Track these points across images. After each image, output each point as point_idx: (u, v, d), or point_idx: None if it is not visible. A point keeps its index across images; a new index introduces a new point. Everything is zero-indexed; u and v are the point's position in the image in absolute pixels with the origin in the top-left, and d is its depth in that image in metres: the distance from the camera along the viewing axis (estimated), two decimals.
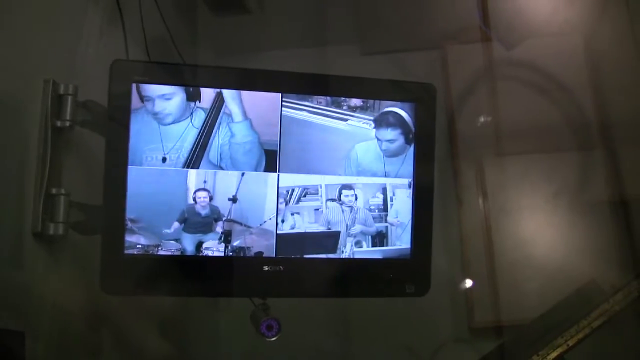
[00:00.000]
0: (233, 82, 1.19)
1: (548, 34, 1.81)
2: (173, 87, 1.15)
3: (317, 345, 1.71)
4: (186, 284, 1.16)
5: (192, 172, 1.15)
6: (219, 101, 1.16)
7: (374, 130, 1.22)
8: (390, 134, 1.23)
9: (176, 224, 1.14)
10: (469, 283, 1.83)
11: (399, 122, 1.23)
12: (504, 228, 1.82)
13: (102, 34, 1.32)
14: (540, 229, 1.80)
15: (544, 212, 1.80)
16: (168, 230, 1.14)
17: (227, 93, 1.17)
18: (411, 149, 1.24)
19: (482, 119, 1.88)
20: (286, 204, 1.19)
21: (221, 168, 1.16)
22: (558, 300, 1.45)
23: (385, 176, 1.23)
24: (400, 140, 1.23)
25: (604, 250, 1.74)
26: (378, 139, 1.22)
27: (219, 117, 1.17)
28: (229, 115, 1.17)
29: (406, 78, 1.30)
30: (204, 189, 1.15)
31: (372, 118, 1.22)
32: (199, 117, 1.16)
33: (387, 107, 1.23)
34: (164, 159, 1.14)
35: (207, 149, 1.16)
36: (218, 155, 1.16)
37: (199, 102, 1.16)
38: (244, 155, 1.17)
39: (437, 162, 1.26)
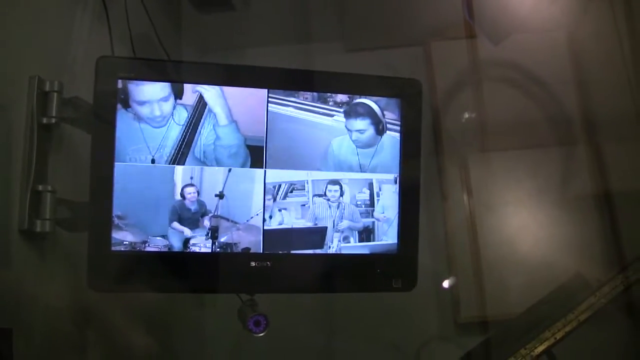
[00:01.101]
0: (219, 78, 1.19)
1: (531, 30, 1.82)
2: (159, 87, 1.15)
3: (304, 341, 1.72)
4: (173, 280, 1.16)
5: (178, 169, 1.15)
6: (202, 99, 1.16)
7: (344, 121, 1.23)
8: (359, 124, 1.23)
9: (177, 225, 1.15)
10: (454, 278, 1.84)
11: (367, 112, 1.24)
12: (489, 224, 1.83)
13: (88, 31, 1.32)
14: (525, 224, 1.81)
15: (529, 208, 1.81)
16: (165, 227, 1.15)
17: (210, 94, 1.17)
18: (383, 140, 1.24)
19: (466, 115, 1.89)
20: (273, 200, 1.20)
21: (206, 164, 1.16)
22: (544, 295, 1.46)
23: (362, 170, 1.24)
24: (371, 130, 1.24)
25: (588, 245, 1.76)
26: (348, 130, 1.23)
27: (204, 115, 1.17)
28: (214, 115, 1.17)
29: (391, 74, 1.31)
30: (192, 184, 1.15)
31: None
32: (183, 114, 1.16)
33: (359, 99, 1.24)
34: (152, 161, 1.14)
35: (192, 146, 1.16)
36: (202, 152, 1.16)
37: (180, 99, 1.16)
38: (229, 157, 1.17)
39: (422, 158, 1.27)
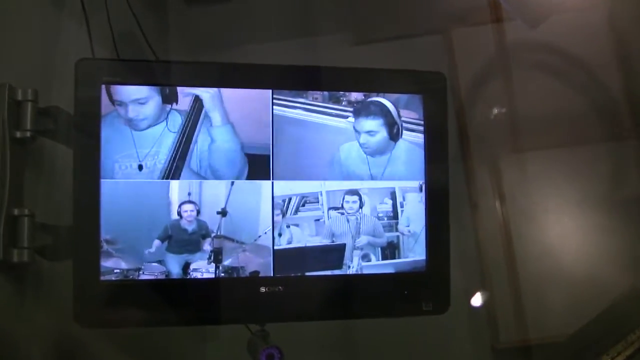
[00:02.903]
0: (216, 79, 1.18)
1: (566, 10, 1.81)
2: (147, 88, 1.14)
3: None
4: (172, 311, 1.15)
5: (174, 184, 1.14)
6: (197, 104, 1.16)
7: (354, 122, 1.22)
8: (369, 124, 1.22)
9: (157, 243, 1.14)
10: (489, 298, 1.83)
11: (381, 111, 1.23)
12: (526, 234, 1.82)
13: (65, 30, 1.31)
14: (567, 234, 1.80)
15: (571, 214, 1.80)
16: (150, 251, 1.13)
17: (205, 95, 1.16)
18: (398, 147, 1.23)
19: (495, 111, 1.88)
20: (283, 216, 1.19)
21: (205, 178, 1.15)
22: (594, 313, 1.44)
23: (372, 178, 1.23)
24: (383, 132, 1.23)
25: None
26: (356, 131, 1.22)
27: (199, 120, 1.16)
28: (209, 119, 1.16)
29: (408, 67, 1.30)
30: (190, 202, 1.15)
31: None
32: (176, 121, 1.15)
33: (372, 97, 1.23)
34: (140, 167, 1.13)
35: (188, 156, 1.15)
36: (198, 163, 1.15)
37: (176, 103, 1.15)
38: (225, 165, 1.16)
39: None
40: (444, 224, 1.25)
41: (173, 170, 1.14)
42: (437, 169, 1.25)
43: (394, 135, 1.23)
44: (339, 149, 1.21)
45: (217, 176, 1.16)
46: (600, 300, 1.48)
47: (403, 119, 1.23)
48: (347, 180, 1.21)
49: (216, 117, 1.17)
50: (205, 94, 1.16)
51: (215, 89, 1.17)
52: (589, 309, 1.48)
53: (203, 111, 1.16)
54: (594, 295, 1.52)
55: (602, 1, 1.84)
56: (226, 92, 1.17)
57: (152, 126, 1.14)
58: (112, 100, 1.13)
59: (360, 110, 1.22)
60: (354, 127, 1.22)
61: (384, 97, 1.23)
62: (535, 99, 1.85)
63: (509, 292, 1.78)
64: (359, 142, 1.22)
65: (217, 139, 1.16)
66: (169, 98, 1.15)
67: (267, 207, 1.18)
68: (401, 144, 1.23)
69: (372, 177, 1.23)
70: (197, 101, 1.16)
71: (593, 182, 1.80)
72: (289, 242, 1.19)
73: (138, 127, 1.14)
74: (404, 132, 1.23)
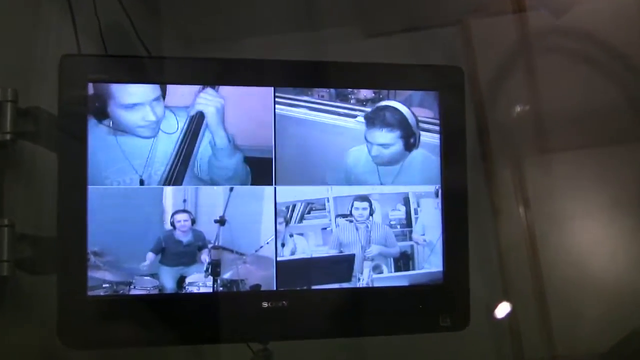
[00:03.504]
0: (213, 76, 1.18)
1: None
2: (140, 90, 1.14)
3: None
4: (167, 329, 1.15)
5: (168, 190, 1.14)
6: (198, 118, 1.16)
7: (365, 130, 1.21)
8: (384, 136, 1.22)
9: (151, 255, 1.13)
10: (513, 311, 1.82)
11: (397, 121, 1.22)
12: (553, 242, 1.81)
13: (47, 24, 1.30)
14: (598, 241, 1.79)
15: (602, 220, 1.79)
16: (142, 263, 1.13)
17: (204, 97, 1.16)
18: (413, 157, 1.23)
19: (519, 108, 1.87)
20: (286, 224, 1.18)
21: (204, 182, 1.15)
22: (630, 327, 1.43)
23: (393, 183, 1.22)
24: (398, 145, 1.22)
25: None
26: (368, 142, 1.21)
27: (202, 124, 1.16)
28: (208, 126, 1.16)
29: (422, 62, 1.29)
30: (184, 211, 1.14)
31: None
32: (172, 123, 1.14)
33: (385, 101, 1.22)
34: (141, 182, 1.13)
35: (191, 160, 1.15)
36: (199, 167, 1.15)
37: (170, 103, 1.15)
38: (223, 179, 1.16)
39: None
40: (463, 231, 1.24)
41: (174, 176, 1.14)
42: (455, 172, 1.25)
43: (410, 145, 1.23)
44: (347, 154, 1.21)
45: (214, 182, 1.16)
46: (634, 313, 1.47)
47: (420, 123, 1.23)
48: (356, 185, 1.20)
49: (216, 126, 1.16)
50: (203, 93, 1.16)
51: (213, 88, 1.16)
52: (621, 323, 1.47)
53: (203, 112, 1.16)
54: (626, 308, 1.51)
55: None
56: (224, 90, 1.16)
57: (148, 130, 1.14)
58: (100, 98, 1.12)
59: (373, 119, 1.21)
60: (365, 136, 1.21)
61: (399, 102, 1.22)
62: (562, 94, 1.83)
63: (534, 305, 1.77)
64: (370, 154, 1.21)
65: (218, 155, 1.16)
66: (163, 97, 1.15)
67: (269, 214, 1.17)
68: (415, 154, 1.23)
69: (383, 183, 1.22)
70: (197, 118, 1.16)
71: (626, 185, 1.79)
72: (293, 253, 1.19)
73: (131, 132, 1.13)
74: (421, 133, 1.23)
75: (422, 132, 1.23)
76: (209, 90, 1.16)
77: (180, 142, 1.15)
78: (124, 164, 1.13)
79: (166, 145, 1.14)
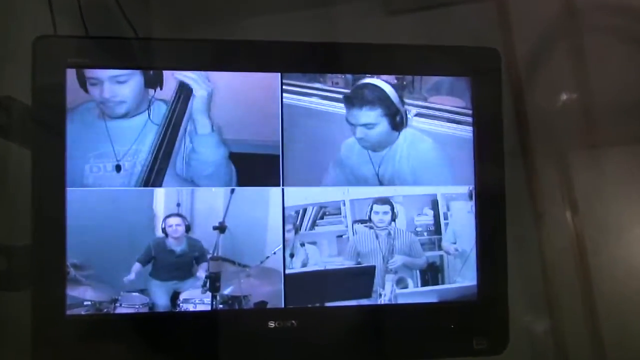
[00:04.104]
0: (210, 60, 1.19)
1: None
2: (124, 76, 1.15)
3: None
4: (159, 353, 1.15)
5: (159, 192, 1.14)
6: (184, 91, 1.16)
7: (345, 111, 1.22)
8: (366, 115, 1.22)
9: (139, 267, 1.13)
10: (559, 331, 1.82)
11: (378, 98, 1.23)
12: (606, 251, 1.80)
13: (18, 2, 1.31)
14: None
15: None
16: (130, 277, 1.13)
17: (198, 84, 1.16)
18: (400, 137, 1.23)
19: (564, 96, 1.87)
20: (296, 231, 1.19)
21: (195, 184, 1.15)
22: None
23: (381, 184, 1.22)
24: (383, 124, 1.22)
25: None
26: (350, 124, 1.21)
27: (186, 113, 1.16)
28: (194, 119, 1.16)
29: (452, 43, 1.29)
30: (177, 215, 1.14)
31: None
32: (161, 112, 1.15)
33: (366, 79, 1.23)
34: (117, 167, 1.13)
35: (173, 156, 1.15)
36: (183, 165, 1.16)
37: (160, 89, 1.15)
38: (205, 178, 1.17)
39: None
40: (500, 239, 1.25)
41: (155, 175, 1.14)
42: (491, 170, 1.25)
43: (397, 124, 1.23)
44: (341, 147, 1.22)
45: (212, 182, 1.16)
46: None
47: (445, 107, 1.23)
48: (376, 186, 1.21)
49: (202, 121, 1.17)
50: (195, 79, 1.16)
51: (209, 73, 1.16)
52: None
53: (191, 101, 1.16)
54: None
55: None
56: (221, 76, 1.17)
57: (132, 116, 1.14)
58: (80, 86, 1.12)
59: (352, 99, 1.22)
60: (346, 119, 1.22)
61: (380, 79, 1.23)
62: (614, 79, 1.83)
63: (584, 324, 1.77)
64: (354, 136, 1.21)
65: (198, 148, 1.16)
66: (152, 83, 1.15)
67: (276, 220, 1.18)
68: (407, 135, 1.23)
69: (380, 173, 1.22)
70: (184, 88, 1.16)
71: None
72: (304, 265, 1.19)
73: (114, 114, 1.14)
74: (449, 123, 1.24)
75: (448, 118, 1.23)
76: (202, 75, 1.16)
77: (163, 132, 1.15)
78: (105, 152, 1.13)
79: (151, 137, 1.14)
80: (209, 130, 1.16)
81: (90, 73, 1.13)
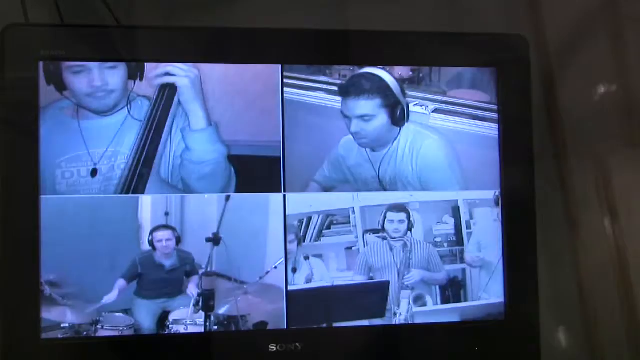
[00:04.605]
0: (200, 51, 1.19)
1: None
2: (105, 69, 1.15)
3: None
4: None
5: (145, 200, 1.14)
6: (169, 86, 1.16)
7: (340, 104, 1.22)
8: (363, 106, 1.22)
9: (123, 284, 1.14)
10: (599, 354, 1.82)
11: (376, 87, 1.23)
12: None
13: None
14: None
15: None
16: (112, 296, 1.13)
17: (184, 79, 1.16)
18: (399, 133, 1.23)
19: (602, 89, 1.87)
20: (299, 243, 1.19)
21: (188, 188, 1.15)
22: None
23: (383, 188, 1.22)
24: (382, 116, 1.22)
25: None
26: (345, 116, 1.22)
27: (171, 109, 1.16)
28: (186, 114, 1.16)
29: (474, 30, 1.30)
30: (166, 226, 1.15)
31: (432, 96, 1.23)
32: (142, 109, 1.15)
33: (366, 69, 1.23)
34: (93, 172, 1.13)
35: (157, 159, 1.15)
36: (169, 171, 1.16)
37: (141, 82, 1.15)
38: (199, 180, 1.17)
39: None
40: (530, 251, 1.25)
41: (135, 181, 1.15)
42: (519, 173, 1.25)
43: (397, 118, 1.23)
44: (338, 145, 1.22)
45: (204, 188, 1.16)
46: None
47: (467, 102, 1.23)
48: (389, 192, 1.21)
49: (197, 113, 1.17)
50: (183, 73, 1.16)
51: (198, 65, 1.17)
52: None
53: (176, 97, 1.17)
54: None
55: None
56: (213, 70, 1.17)
57: (112, 112, 1.14)
58: (55, 81, 1.13)
59: (348, 87, 1.22)
60: (341, 111, 1.22)
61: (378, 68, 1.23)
62: None
63: (625, 346, 1.77)
64: (349, 131, 1.22)
65: (193, 147, 1.17)
66: (134, 76, 1.15)
67: (277, 231, 1.18)
68: (410, 132, 1.23)
69: (381, 175, 1.22)
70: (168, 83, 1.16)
71: None
72: (309, 281, 1.19)
73: (93, 111, 1.14)
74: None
75: (470, 114, 1.23)
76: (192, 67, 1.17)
77: (144, 133, 1.15)
78: (80, 154, 1.13)
79: (131, 138, 1.15)
80: (205, 125, 1.16)
81: (66, 66, 1.13)
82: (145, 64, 1.16)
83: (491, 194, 1.23)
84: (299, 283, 1.18)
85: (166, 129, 1.16)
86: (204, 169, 1.16)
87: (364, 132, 1.21)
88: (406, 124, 1.22)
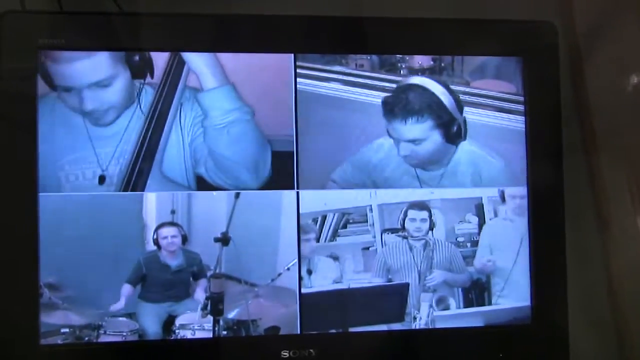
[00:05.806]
0: (208, 39, 1.19)
1: None
2: (107, 59, 1.15)
3: None
4: None
5: (150, 197, 1.14)
6: (175, 66, 1.16)
7: (384, 121, 1.21)
8: (412, 129, 1.22)
9: (127, 287, 1.14)
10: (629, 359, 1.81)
11: (428, 105, 1.22)
12: None
13: None
14: None
15: None
16: (115, 299, 1.13)
17: (194, 64, 1.17)
18: (457, 152, 1.23)
19: (634, 79, 1.86)
20: (313, 242, 1.18)
21: (192, 187, 1.15)
22: None
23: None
24: (435, 138, 1.22)
25: None
26: (392, 138, 1.21)
27: (176, 93, 1.16)
28: (195, 87, 1.16)
29: (499, 16, 1.29)
30: (172, 223, 1.14)
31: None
32: (148, 101, 1.15)
33: (414, 76, 1.23)
34: (101, 179, 1.13)
35: (161, 152, 1.15)
36: (178, 162, 1.16)
37: (151, 77, 1.15)
38: (229, 146, 1.16)
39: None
40: (559, 251, 1.25)
41: (135, 175, 1.15)
42: (547, 168, 1.25)
43: (453, 136, 1.23)
44: (371, 146, 1.21)
45: (236, 155, 1.16)
46: None
47: (492, 93, 1.23)
48: (409, 189, 1.20)
49: (208, 77, 1.17)
50: (192, 60, 1.17)
51: (206, 54, 1.17)
52: None
53: (182, 78, 1.16)
54: None
55: None
56: (223, 58, 1.17)
57: (120, 116, 1.15)
58: (54, 71, 1.13)
59: (393, 103, 1.21)
60: (387, 131, 1.21)
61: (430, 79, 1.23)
62: None
63: None
64: (398, 154, 1.21)
65: (210, 108, 1.17)
66: (141, 70, 1.15)
67: (290, 230, 1.18)
68: (466, 149, 1.23)
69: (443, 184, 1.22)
70: (174, 65, 1.16)
71: None
72: (327, 283, 1.19)
73: (101, 122, 1.14)
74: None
75: (495, 106, 1.23)
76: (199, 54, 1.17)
77: (147, 125, 1.15)
78: (84, 155, 1.13)
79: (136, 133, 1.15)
80: (220, 83, 1.16)
81: (66, 56, 1.13)
82: (152, 54, 1.15)
83: (517, 190, 1.22)
84: (313, 285, 1.18)
85: (169, 117, 1.15)
86: (230, 130, 1.16)
87: (415, 154, 1.21)
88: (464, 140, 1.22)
